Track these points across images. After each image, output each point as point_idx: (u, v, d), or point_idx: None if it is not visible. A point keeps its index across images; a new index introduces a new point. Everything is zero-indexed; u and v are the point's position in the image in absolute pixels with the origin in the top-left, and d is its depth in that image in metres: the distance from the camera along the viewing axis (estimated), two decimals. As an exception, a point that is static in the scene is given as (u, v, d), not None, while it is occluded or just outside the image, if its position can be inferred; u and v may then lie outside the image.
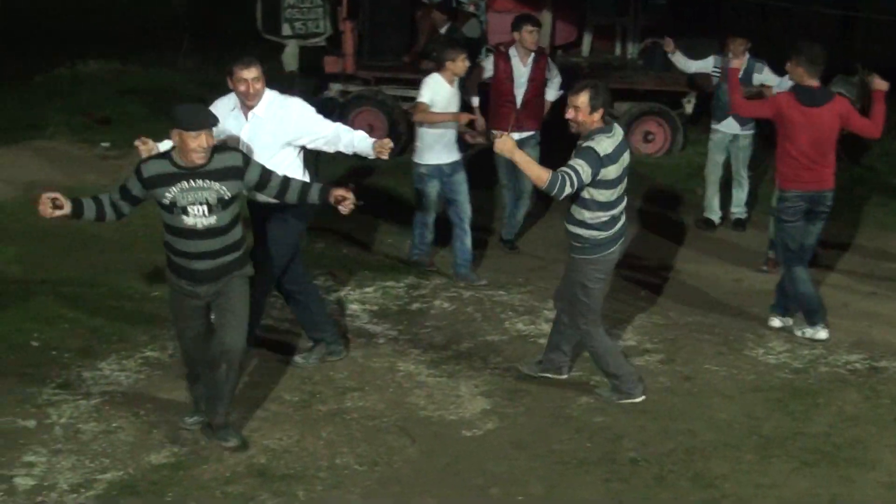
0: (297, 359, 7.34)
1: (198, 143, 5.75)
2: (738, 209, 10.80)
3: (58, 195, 5.79)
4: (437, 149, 8.82)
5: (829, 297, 8.76)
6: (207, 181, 5.86)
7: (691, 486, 6.08)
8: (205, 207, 5.88)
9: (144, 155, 6.25)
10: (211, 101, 15.11)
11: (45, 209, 5.76)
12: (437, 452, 6.39)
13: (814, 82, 7.88)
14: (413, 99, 13.03)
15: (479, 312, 8.36)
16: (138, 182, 5.90)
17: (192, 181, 5.85)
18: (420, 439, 6.51)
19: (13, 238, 8.76)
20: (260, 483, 5.94)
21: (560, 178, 6.45)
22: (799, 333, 8.07)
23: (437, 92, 8.68)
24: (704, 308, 8.71)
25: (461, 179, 8.92)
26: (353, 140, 6.90)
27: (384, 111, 12.86)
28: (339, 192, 6.22)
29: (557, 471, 6.20)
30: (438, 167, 8.84)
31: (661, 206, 11.35)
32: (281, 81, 13.75)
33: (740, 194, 10.73)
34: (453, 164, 8.89)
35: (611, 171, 6.56)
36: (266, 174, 6.17)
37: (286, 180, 6.26)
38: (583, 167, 6.48)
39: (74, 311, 7.79)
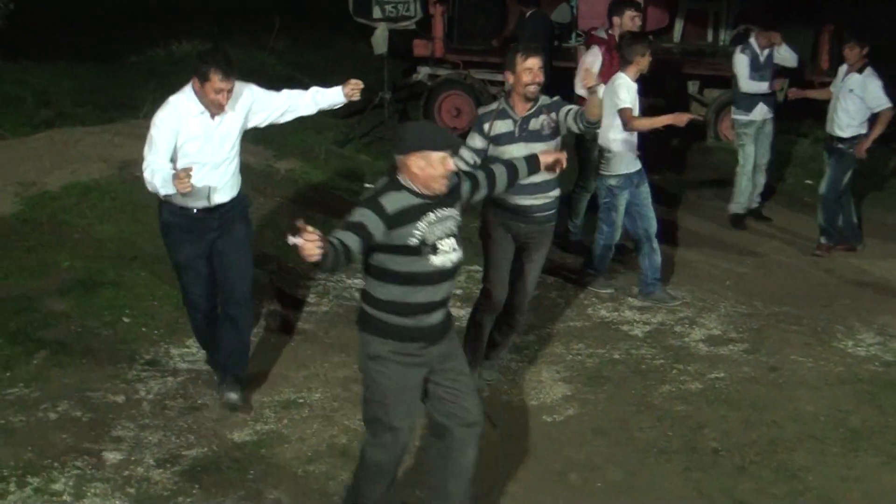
0: None
1: (446, 167, 4.78)
2: (758, 199, 10.52)
3: (320, 237, 4.40)
4: (627, 157, 8.16)
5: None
6: (448, 208, 4.91)
7: (774, 477, 6.00)
8: (453, 240, 4.90)
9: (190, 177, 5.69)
10: (299, 82, 15.18)
11: (311, 251, 4.36)
12: (517, 437, 6.40)
13: None
14: (501, 83, 13.15)
15: (563, 298, 8.35)
16: (380, 220, 4.70)
17: (437, 210, 4.85)
18: (501, 424, 6.51)
19: (108, 216, 8.92)
20: (341, 463, 6.00)
21: None
22: None
23: (631, 91, 8.03)
24: (792, 298, 8.59)
25: (648, 189, 8.29)
26: (313, 98, 6.47)
27: (472, 95, 12.87)
28: (550, 157, 5.42)
29: (637, 458, 6.17)
30: (629, 177, 8.18)
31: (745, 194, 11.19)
32: (371, 63, 13.90)
33: (762, 181, 10.42)
34: (640, 172, 8.24)
35: None
36: (473, 175, 5.22)
37: (491, 170, 5.28)
38: None
39: (165, 288, 7.91)
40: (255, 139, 9.49)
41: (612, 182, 8.21)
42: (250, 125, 6.35)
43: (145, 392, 6.64)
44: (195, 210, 6.19)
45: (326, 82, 13.58)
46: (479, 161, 6.47)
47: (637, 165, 8.21)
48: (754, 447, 6.27)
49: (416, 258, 4.77)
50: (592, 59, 9.03)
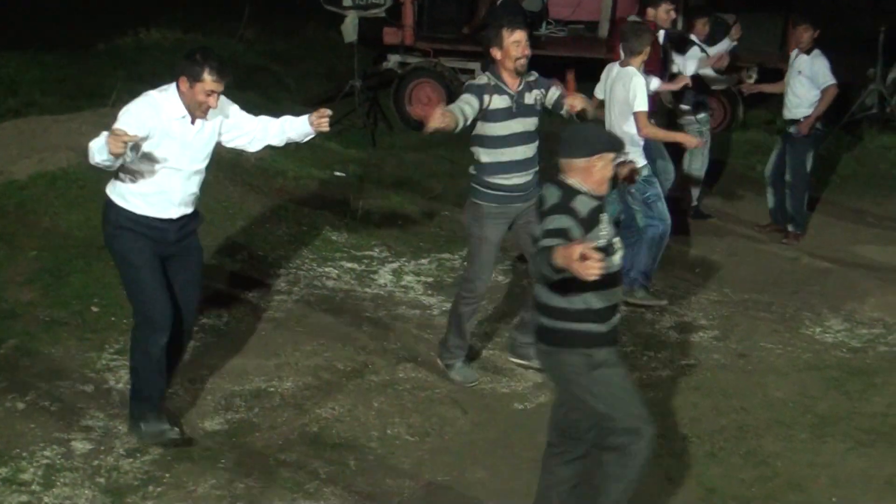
0: None
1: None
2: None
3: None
4: (641, 146, 7.96)
5: (889, 276, 8.67)
6: None
7: (743, 463, 6.04)
8: (618, 238, 4.96)
9: (126, 144, 5.27)
10: (270, 70, 14.93)
11: (596, 270, 4.32)
12: (488, 424, 6.42)
13: None
14: (472, 71, 13.16)
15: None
16: (578, 224, 4.68)
17: (604, 210, 4.93)
18: (472, 411, 6.53)
19: (76, 204, 8.85)
20: (312, 451, 6.00)
21: None
22: None
23: (646, 91, 7.84)
24: (761, 285, 8.63)
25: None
26: (282, 127, 6.08)
27: (442, 83, 12.85)
28: (626, 169, 5.63)
29: (608, 445, 6.19)
30: (647, 164, 8.02)
31: (719, 182, 11.25)
32: (341, 52, 13.86)
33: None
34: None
35: None
36: None
37: None
38: None
39: (133, 277, 7.88)
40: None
41: (644, 173, 7.94)
42: (225, 139, 5.97)
43: (115, 381, 6.59)
44: (156, 219, 5.74)
45: (297, 70, 13.44)
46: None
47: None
48: (724, 433, 6.31)
49: (605, 260, 4.63)
50: None
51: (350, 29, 12.54)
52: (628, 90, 7.80)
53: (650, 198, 8.00)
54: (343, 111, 12.56)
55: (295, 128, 6.09)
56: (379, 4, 12.77)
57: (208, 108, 5.65)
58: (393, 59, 13.52)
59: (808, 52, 9.36)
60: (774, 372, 7.08)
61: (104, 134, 5.41)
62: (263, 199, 9.24)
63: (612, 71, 8.07)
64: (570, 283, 4.62)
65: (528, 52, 6.50)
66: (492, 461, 6.01)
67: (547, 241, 4.57)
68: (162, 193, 5.72)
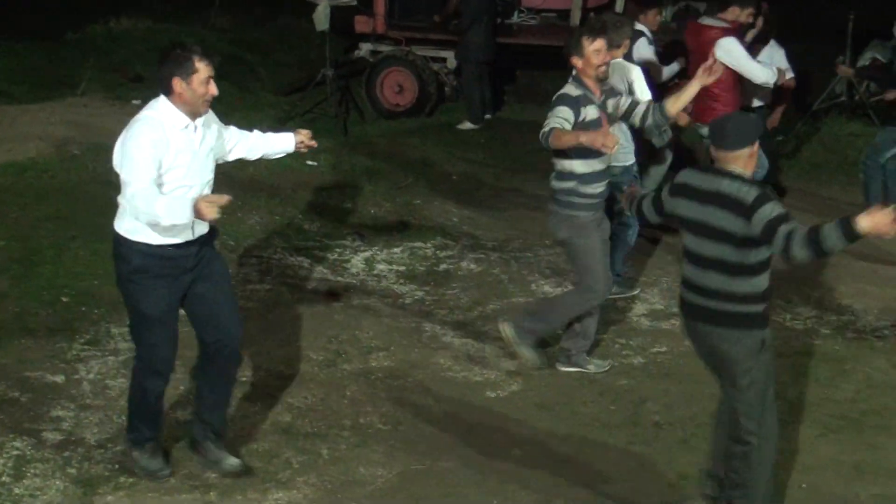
0: None
1: None
2: None
3: None
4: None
5: (859, 263, 8.72)
6: None
7: (714, 450, 6.07)
8: None
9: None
10: (242, 59, 14.80)
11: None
12: (460, 413, 6.42)
13: None
14: (444, 59, 13.15)
15: (506, 274, 8.37)
16: None
17: None
18: (444, 400, 6.54)
19: (46, 195, 8.82)
20: (284, 441, 6.00)
21: None
22: None
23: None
24: (732, 273, 8.65)
25: None
26: (266, 141, 5.80)
27: (414, 72, 12.84)
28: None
29: (580, 433, 6.22)
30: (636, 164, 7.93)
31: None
32: (313, 40, 13.80)
33: None
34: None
35: None
36: None
37: None
38: None
39: (105, 267, 7.80)
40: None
41: (636, 168, 7.88)
42: (220, 153, 5.57)
43: (85, 372, 6.57)
44: (173, 247, 5.28)
45: (269, 59, 13.38)
46: None
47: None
48: (695, 420, 6.33)
49: None
50: (740, 49, 8.50)
51: (322, 17, 12.49)
52: (631, 82, 7.59)
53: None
54: (315, 100, 12.54)
55: (273, 145, 5.83)
56: (351, -7, 12.76)
57: (211, 95, 5.17)
58: (364, 48, 13.49)
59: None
60: (745, 359, 7.10)
61: (153, 197, 5.01)
62: (235, 189, 9.18)
63: None
64: (763, 263, 4.93)
65: (609, 58, 6.56)
66: (464, 450, 6.02)
67: (791, 224, 4.76)
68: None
